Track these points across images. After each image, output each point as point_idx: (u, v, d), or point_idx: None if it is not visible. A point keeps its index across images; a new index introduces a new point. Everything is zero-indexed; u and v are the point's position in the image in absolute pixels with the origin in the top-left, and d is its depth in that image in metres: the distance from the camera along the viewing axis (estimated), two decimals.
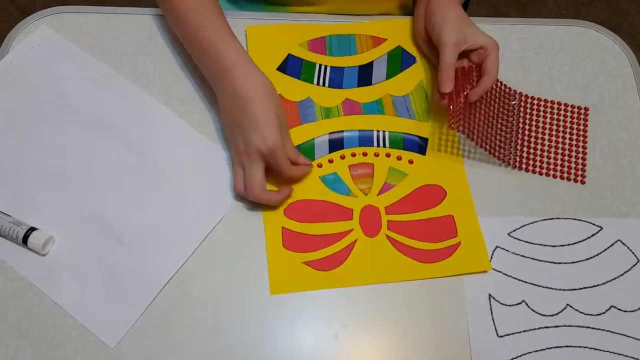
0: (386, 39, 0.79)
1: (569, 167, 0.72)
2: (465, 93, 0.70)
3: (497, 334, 0.63)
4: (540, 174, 0.72)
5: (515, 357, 0.62)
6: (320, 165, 0.70)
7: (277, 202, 0.67)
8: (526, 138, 0.74)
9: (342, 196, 0.69)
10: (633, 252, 0.68)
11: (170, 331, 0.62)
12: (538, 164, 0.72)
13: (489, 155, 0.71)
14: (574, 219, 0.70)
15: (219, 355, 0.61)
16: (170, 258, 0.65)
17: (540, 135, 0.74)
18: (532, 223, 0.69)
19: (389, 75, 0.77)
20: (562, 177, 0.72)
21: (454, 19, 0.71)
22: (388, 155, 0.71)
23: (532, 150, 0.73)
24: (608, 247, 0.68)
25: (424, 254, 0.66)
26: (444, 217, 0.68)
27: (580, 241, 0.68)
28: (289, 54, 0.77)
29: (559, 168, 0.72)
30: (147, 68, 0.74)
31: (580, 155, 0.73)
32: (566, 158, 0.73)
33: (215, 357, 0.61)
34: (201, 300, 0.63)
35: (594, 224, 0.69)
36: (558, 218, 0.70)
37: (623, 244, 0.69)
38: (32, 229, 0.63)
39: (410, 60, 0.78)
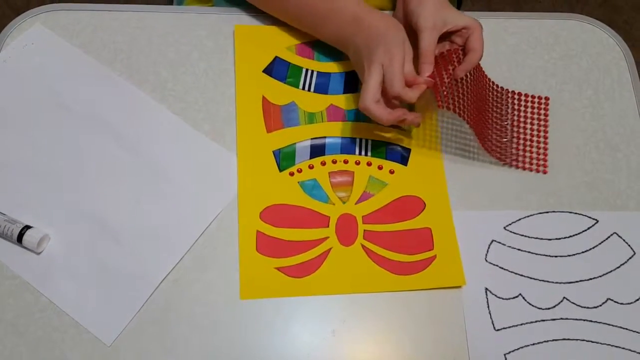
0: None
1: (531, 157, 0.72)
2: (448, 71, 0.68)
3: (494, 328, 0.63)
4: (504, 163, 0.72)
5: (513, 351, 0.63)
6: (300, 171, 0.70)
7: (388, 117, 0.66)
8: (499, 129, 0.74)
9: (319, 203, 0.68)
10: (629, 245, 0.68)
11: (167, 328, 0.61)
12: (504, 152, 0.72)
13: (475, 139, 0.70)
14: (570, 212, 0.70)
15: (215, 352, 0.61)
16: (166, 255, 0.64)
17: (506, 125, 0.74)
18: (528, 216, 0.69)
19: None
20: (524, 168, 0.72)
21: (431, 2, 0.69)
22: (369, 164, 0.71)
23: (502, 141, 0.73)
24: (604, 240, 0.68)
25: (398, 266, 0.65)
26: (421, 230, 0.68)
27: (576, 234, 0.69)
28: (276, 57, 0.76)
29: (520, 158, 0.72)
30: (140, 65, 0.74)
31: (542, 145, 0.73)
32: (527, 148, 0.73)
33: (212, 354, 0.61)
34: (197, 297, 0.63)
35: (590, 217, 0.70)
36: (554, 211, 0.70)
37: (619, 236, 0.69)
38: (27, 227, 0.63)
39: None
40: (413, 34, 0.70)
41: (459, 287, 0.65)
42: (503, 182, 0.71)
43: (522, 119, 0.75)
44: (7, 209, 0.65)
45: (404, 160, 0.71)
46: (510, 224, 0.69)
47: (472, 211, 0.69)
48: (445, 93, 0.66)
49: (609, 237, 0.69)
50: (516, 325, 0.64)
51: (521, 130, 0.74)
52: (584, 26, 0.82)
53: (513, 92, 0.76)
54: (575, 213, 0.70)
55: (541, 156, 0.73)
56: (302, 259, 0.65)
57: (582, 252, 0.68)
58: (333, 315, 0.63)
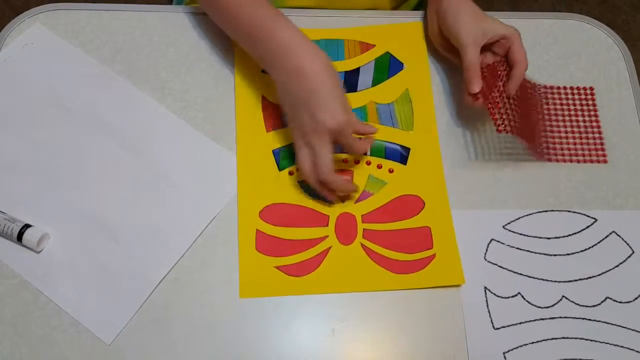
0: (374, 45, 0.78)
1: (589, 149, 0.73)
2: (498, 87, 0.69)
3: (493, 327, 0.63)
4: (557, 160, 0.73)
5: (512, 349, 0.63)
6: (299, 170, 0.70)
7: (346, 188, 0.66)
8: (548, 128, 0.74)
9: (319, 202, 0.68)
10: (628, 244, 0.68)
11: (167, 327, 0.62)
12: (559, 151, 0.73)
13: (530, 153, 0.71)
14: (569, 211, 0.70)
15: (215, 351, 0.61)
16: (165, 254, 0.65)
17: (554, 122, 0.75)
18: (527, 215, 0.69)
19: (375, 82, 0.75)
20: (584, 161, 0.73)
21: (468, 16, 0.70)
22: (368, 163, 0.71)
23: (551, 139, 0.74)
24: (603, 239, 0.69)
25: (398, 265, 0.66)
26: (420, 229, 0.68)
27: (575, 233, 0.69)
28: None
29: (579, 152, 0.73)
30: (140, 65, 0.74)
31: (597, 134, 0.74)
32: (584, 140, 0.74)
33: (211, 352, 0.61)
34: (197, 296, 0.63)
35: (588, 216, 0.70)
36: (553, 210, 0.70)
37: (618, 235, 0.69)
38: (27, 226, 0.63)
39: (398, 67, 0.77)
40: (453, 47, 0.72)
41: (458, 285, 0.65)
42: (502, 181, 0.71)
43: (572, 112, 0.76)
44: (6, 207, 0.65)
45: (403, 159, 0.71)
46: (509, 223, 0.69)
47: (471, 210, 0.69)
48: (502, 114, 0.67)
49: (607, 235, 0.69)
50: (515, 324, 0.64)
51: (574, 123, 0.75)
52: (582, 26, 0.82)
53: (558, 87, 0.77)
54: (574, 212, 0.70)
55: (598, 145, 0.74)
56: (301, 257, 0.65)
57: (581, 250, 0.68)
58: (332, 314, 0.63)
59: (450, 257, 0.66)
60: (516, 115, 0.69)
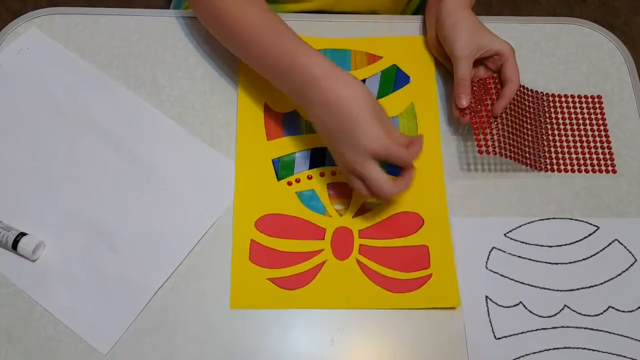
0: (382, 57, 0.77)
1: (598, 159, 0.72)
2: (486, 106, 0.69)
3: (495, 336, 0.63)
4: (567, 171, 0.72)
5: (514, 359, 0.62)
6: (298, 181, 0.69)
7: (406, 187, 0.64)
8: (551, 137, 0.73)
9: (316, 214, 0.67)
10: (630, 252, 0.68)
11: (163, 337, 0.61)
12: (569, 162, 0.72)
13: (522, 165, 0.70)
14: (571, 219, 0.69)
15: None
16: (163, 263, 0.64)
17: (563, 132, 0.74)
18: (529, 223, 0.68)
19: (380, 95, 0.74)
20: (593, 171, 0.72)
21: (465, 28, 0.69)
22: None
23: (559, 149, 0.73)
24: (605, 247, 0.68)
25: (393, 283, 0.64)
26: (418, 247, 0.66)
27: (577, 241, 0.68)
28: None
29: (588, 162, 0.72)
30: (137, 70, 0.73)
31: (605, 144, 0.73)
32: (592, 150, 0.73)
33: None
34: (194, 306, 0.62)
35: (590, 224, 0.69)
36: (554, 218, 0.69)
37: (620, 243, 0.68)
38: (22, 234, 0.62)
39: (404, 80, 0.76)
40: (446, 52, 0.71)
41: (452, 308, 0.64)
42: (503, 189, 0.70)
43: (580, 121, 0.75)
44: (1, 215, 0.64)
45: None
46: (510, 231, 0.68)
47: (472, 218, 0.68)
48: (485, 133, 0.67)
49: (610, 244, 0.68)
50: (517, 334, 0.63)
51: (582, 132, 0.74)
52: (583, 30, 0.82)
53: (566, 95, 0.76)
54: (576, 220, 0.69)
55: (607, 155, 0.73)
56: (295, 270, 0.64)
57: (583, 259, 0.67)
58: (332, 324, 0.63)
59: (447, 278, 0.65)
60: (505, 134, 0.69)
